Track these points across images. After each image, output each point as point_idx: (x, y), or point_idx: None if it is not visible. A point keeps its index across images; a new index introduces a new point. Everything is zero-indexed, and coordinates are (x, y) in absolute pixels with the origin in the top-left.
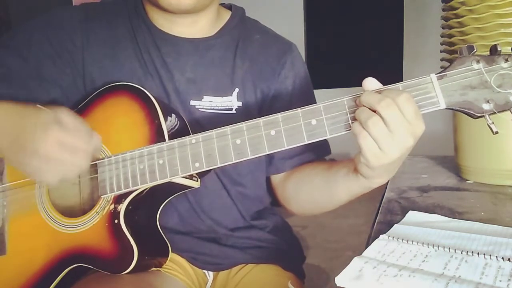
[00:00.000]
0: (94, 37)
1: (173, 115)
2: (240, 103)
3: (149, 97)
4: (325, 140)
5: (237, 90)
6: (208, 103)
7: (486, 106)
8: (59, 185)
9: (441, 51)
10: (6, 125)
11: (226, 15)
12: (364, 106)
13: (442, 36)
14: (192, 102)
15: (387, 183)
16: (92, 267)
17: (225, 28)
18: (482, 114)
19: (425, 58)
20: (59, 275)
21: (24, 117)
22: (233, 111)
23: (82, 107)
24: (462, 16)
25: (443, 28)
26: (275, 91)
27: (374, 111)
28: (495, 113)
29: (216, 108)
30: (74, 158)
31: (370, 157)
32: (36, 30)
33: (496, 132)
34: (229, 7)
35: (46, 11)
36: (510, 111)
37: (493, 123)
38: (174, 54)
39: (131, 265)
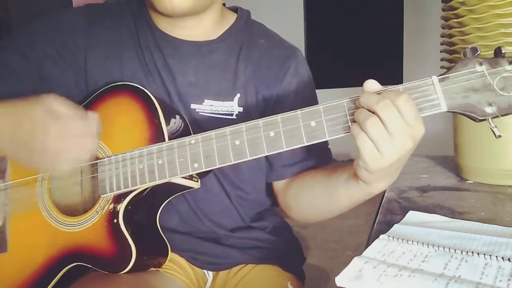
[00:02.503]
0: (96, 38)
1: (177, 117)
2: (241, 109)
3: (150, 97)
4: (327, 147)
5: (238, 95)
6: (209, 107)
7: (489, 110)
8: (61, 183)
9: (441, 51)
10: (1, 123)
11: (231, 18)
12: (363, 107)
13: (442, 36)
14: (193, 106)
15: None
16: (91, 266)
17: (229, 31)
18: (484, 118)
19: (425, 58)
20: (58, 273)
21: (16, 112)
22: (234, 117)
23: (84, 106)
24: (462, 16)
25: (443, 28)
26: (277, 97)
27: (374, 113)
28: (498, 116)
29: (217, 112)
30: (81, 143)
31: (369, 159)
32: (39, 31)
33: (499, 136)
34: (235, 9)
35: (47, 12)
36: None
37: (495, 126)
38: (177, 56)
39: (129, 264)
